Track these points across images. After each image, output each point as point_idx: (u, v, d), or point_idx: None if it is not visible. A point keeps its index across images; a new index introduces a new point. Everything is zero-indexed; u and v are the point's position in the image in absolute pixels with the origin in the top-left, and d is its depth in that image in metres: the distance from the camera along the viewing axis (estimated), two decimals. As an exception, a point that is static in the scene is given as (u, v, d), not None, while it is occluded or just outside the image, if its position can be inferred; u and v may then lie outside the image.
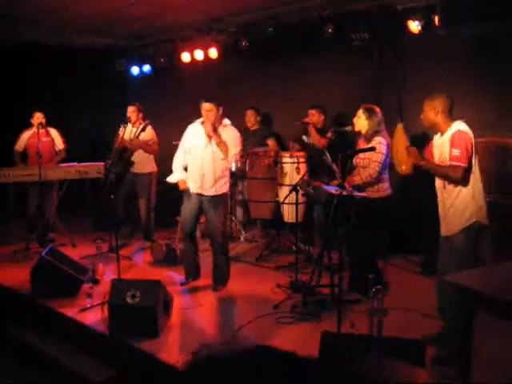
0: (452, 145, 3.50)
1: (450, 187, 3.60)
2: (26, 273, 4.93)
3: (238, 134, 4.98)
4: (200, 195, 4.91)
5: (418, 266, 5.55)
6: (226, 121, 4.98)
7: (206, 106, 4.76)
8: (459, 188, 3.56)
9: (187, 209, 4.99)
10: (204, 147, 4.83)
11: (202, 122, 4.84)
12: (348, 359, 2.77)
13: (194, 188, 4.93)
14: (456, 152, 3.47)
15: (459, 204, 3.56)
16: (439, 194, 3.71)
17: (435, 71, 5.72)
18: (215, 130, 4.75)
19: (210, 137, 4.77)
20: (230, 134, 4.88)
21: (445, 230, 3.68)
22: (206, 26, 7.29)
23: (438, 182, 3.70)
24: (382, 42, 6.11)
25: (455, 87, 5.50)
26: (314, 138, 6.04)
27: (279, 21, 6.66)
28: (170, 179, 5.11)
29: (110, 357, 3.87)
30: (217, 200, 4.89)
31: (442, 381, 3.14)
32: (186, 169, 5.03)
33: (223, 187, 4.93)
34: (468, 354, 2.71)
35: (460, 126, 3.56)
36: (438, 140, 3.71)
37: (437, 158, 3.68)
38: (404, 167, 3.93)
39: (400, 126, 4.29)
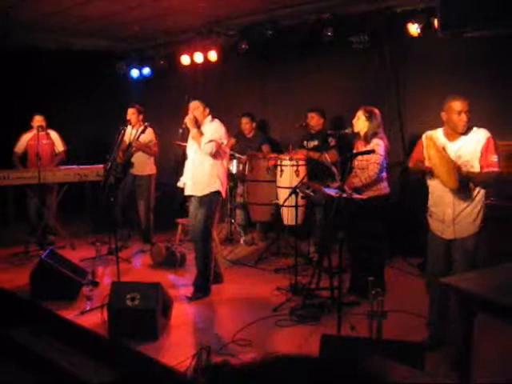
0: (489, 151, 3.48)
1: (467, 191, 3.55)
2: (26, 275, 4.94)
3: (220, 127, 4.81)
4: (192, 196, 4.92)
5: (418, 268, 5.55)
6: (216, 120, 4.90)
7: (193, 105, 4.81)
8: (476, 192, 3.55)
9: (191, 212, 4.98)
10: (191, 148, 4.90)
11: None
12: (348, 362, 2.77)
13: (186, 190, 4.95)
14: (495, 158, 3.49)
15: (474, 208, 3.56)
16: (446, 197, 3.60)
17: (435, 74, 5.73)
18: (195, 121, 4.75)
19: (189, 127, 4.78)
20: (211, 127, 4.79)
21: (451, 233, 3.61)
22: (205, 29, 7.29)
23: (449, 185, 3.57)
24: (381, 45, 6.12)
25: (455, 89, 5.51)
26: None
27: (279, 24, 6.67)
28: (178, 184, 5.16)
29: (109, 359, 3.86)
30: (201, 200, 4.81)
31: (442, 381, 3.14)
32: None
33: (212, 186, 4.77)
34: (469, 355, 2.71)
35: (482, 130, 3.55)
36: (450, 143, 3.58)
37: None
38: (448, 178, 3.62)
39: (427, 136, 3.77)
